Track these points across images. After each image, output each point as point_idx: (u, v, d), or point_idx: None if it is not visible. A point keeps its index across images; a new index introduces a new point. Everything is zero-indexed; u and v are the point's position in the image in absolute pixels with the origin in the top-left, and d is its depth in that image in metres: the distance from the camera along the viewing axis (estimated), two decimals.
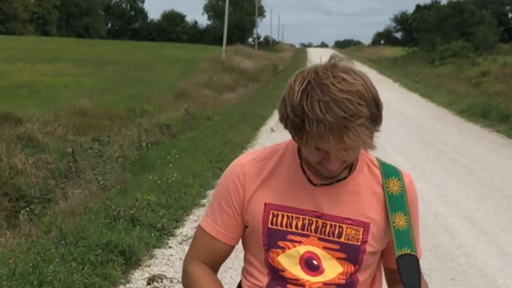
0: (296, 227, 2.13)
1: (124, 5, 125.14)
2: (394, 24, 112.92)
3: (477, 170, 13.09)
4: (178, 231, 8.28)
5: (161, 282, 6.36)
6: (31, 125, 20.52)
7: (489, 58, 45.88)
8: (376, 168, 2.21)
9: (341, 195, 2.14)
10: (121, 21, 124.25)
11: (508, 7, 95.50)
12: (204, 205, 9.69)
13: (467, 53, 52.00)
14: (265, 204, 2.15)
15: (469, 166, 13.47)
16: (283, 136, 9.28)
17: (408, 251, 2.12)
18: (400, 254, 2.12)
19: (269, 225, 2.14)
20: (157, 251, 7.40)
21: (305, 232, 2.13)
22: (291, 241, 2.13)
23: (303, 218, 2.13)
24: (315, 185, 2.14)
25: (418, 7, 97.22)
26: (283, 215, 2.14)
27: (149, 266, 6.94)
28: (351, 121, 1.91)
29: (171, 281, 6.46)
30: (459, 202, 10.27)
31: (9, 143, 17.64)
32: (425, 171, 12.79)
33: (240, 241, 2.28)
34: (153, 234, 7.71)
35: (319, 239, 2.13)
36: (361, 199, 2.15)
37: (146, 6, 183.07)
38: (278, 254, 2.15)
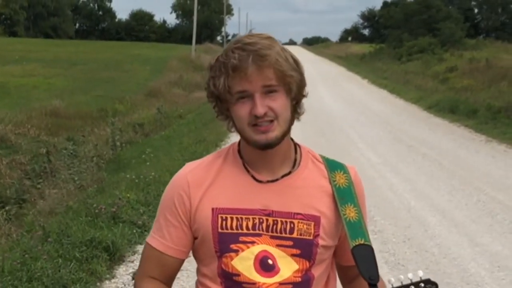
0: (247, 228, 2.10)
1: (91, 4, 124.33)
2: (361, 21, 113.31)
3: (447, 164, 13.37)
4: None
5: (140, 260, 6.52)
6: (3, 126, 20.47)
7: (456, 54, 46.31)
8: (320, 163, 2.22)
9: (288, 191, 2.13)
10: (89, 21, 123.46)
11: (473, 3, 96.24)
12: None
13: (434, 49, 52.43)
14: (212, 209, 2.12)
15: (439, 160, 13.75)
16: None
17: (362, 241, 2.11)
18: (354, 244, 2.10)
19: (219, 230, 2.11)
20: (139, 247, 7.58)
21: (257, 231, 2.10)
22: (244, 242, 2.10)
23: (253, 218, 2.11)
24: (260, 181, 2.13)
25: (385, 4, 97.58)
26: (232, 218, 2.11)
27: (132, 261, 7.15)
28: (264, 50, 2.00)
29: None
30: (430, 195, 10.53)
31: None
32: (396, 166, 13.06)
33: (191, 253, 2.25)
34: (134, 231, 7.91)
35: (272, 237, 2.10)
36: (309, 193, 2.15)
37: (114, 5, 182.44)
38: (232, 258, 2.10)
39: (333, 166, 2.21)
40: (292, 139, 2.19)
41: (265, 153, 2.10)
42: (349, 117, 21.50)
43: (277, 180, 2.14)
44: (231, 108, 2.07)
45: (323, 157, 2.24)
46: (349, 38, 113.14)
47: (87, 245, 6.88)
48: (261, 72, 1.99)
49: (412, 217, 9.08)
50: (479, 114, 20.85)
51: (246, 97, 2.02)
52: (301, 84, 2.10)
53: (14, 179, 14.63)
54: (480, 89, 27.44)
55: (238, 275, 2.10)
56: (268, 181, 2.13)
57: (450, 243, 7.97)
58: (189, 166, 2.23)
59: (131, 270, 6.84)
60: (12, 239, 8.72)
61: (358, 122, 20.28)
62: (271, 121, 2.02)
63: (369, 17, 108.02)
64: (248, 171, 2.15)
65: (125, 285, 6.52)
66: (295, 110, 2.13)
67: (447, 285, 6.53)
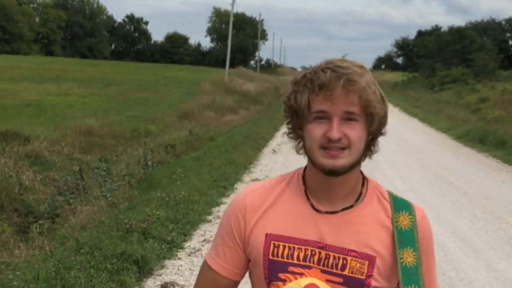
0: (298, 259, 2.03)
1: (128, 26, 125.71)
2: (395, 49, 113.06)
3: (472, 193, 13.56)
4: (186, 244, 8.83)
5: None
6: (38, 143, 20.87)
7: (489, 85, 46.29)
8: (386, 201, 2.11)
9: (347, 226, 2.05)
10: (124, 42, 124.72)
11: (508, 34, 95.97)
12: (210, 221, 10.24)
13: (467, 79, 52.44)
14: (266, 235, 2.07)
15: (464, 189, 13.95)
16: (285, 157, 10.20)
17: None
18: None
19: (270, 257, 2.05)
20: (167, 262, 7.95)
21: (307, 263, 2.03)
22: (293, 273, 2.03)
23: (305, 249, 2.04)
24: (318, 211, 2.06)
25: (419, 33, 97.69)
26: (284, 246, 2.05)
27: (160, 275, 7.49)
28: (354, 75, 1.94)
29: None
30: (452, 222, 10.76)
31: (17, 161, 18.02)
32: (421, 193, 13.26)
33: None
34: (163, 246, 8.27)
35: (322, 271, 2.02)
36: (367, 230, 2.05)
37: (150, 28, 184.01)
38: (278, 287, 2.05)
39: (399, 206, 2.10)
40: (361, 172, 2.12)
41: (330, 182, 2.03)
42: (378, 145, 21.70)
43: (336, 212, 2.06)
44: (306, 127, 2.01)
45: (390, 194, 2.15)
46: (383, 66, 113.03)
47: (118, 258, 7.24)
48: (347, 97, 1.93)
49: None
50: (508, 145, 20.96)
51: (324, 118, 1.95)
52: (383, 120, 2.03)
53: (47, 195, 14.99)
54: (511, 120, 27.48)
55: None
56: (327, 212, 2.06)
57: (467, 267, 8.22)
58: (250, 188, 2.20)
59: (159, 283, 7.17)
60: (45, 251, 9.04)
61: (387, 150, 20.37)
62: (343, 148, 1.95)
63: (403, 45, 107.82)
64: (308, 198, 2.08)
65: None
66: (369, 146, 2.07)
67: None
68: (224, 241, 2.15)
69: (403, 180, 14.75)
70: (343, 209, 2.06)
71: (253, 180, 14.09)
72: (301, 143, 2.07)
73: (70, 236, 8.89)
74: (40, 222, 12.13)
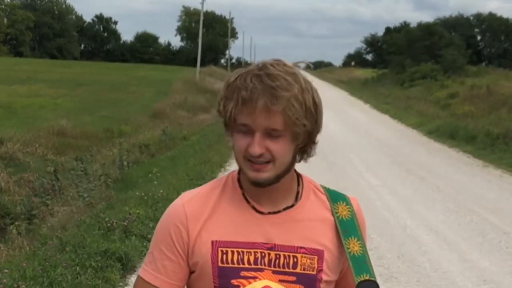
0: (249, 262, 1.99)
1: (97, 26, 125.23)
2: (364, 46, 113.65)
3: (443, 187, 13.85)
4: None
5: None
6: (11, 145, 20.89)
7: (458, 80, 46.64)
8: (322, 194, 2.11)
9: (291, 224, 2.02)
10: (94, 42, 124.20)
11: (477, 30, 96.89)
12: None
13: (436, 75, 52.83)
14: (212, 242, 2.00)
15: (436, 183, 14.23)
16: None
17: (367, 277, 2.02)
18: (360, 280, 2.01)
19: (219, 264, 1.98)
20: None
21: (259, 266, 1.99)
22: (245, 277, 1.98)
23: (254, 252, 1.99)
24: (261, 213, 2.02)
25: (388, 30, 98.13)
26: (233, 251, 1.99)
27: None
28: (280, 91, 1.88)
29: None
30: (425, 216, 11.02)
31: None
32: (394, 188, 13.53)
33: None
34: (145, 244, 8.42)
35: (274, 272, 1.99)
36: (311, 226, 2.04)
37: (119, 27, 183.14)
38: None
39: (335, 197, 2.11)
40: (295, 170, 2.07)
41: (263, 190, 2.00)
42: (350, 141, 21.96)
43: (279, 212, 2.03)
44: (233, 134, 1.97)
45: (324, 188, 2.14)
46: (352, 63, 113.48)
47: (102, 256, 7.42)
48: (269, 115, 1.87)
49: (407, 235, 9.57)
50: (477, 140, 21.25)
51: (247, 131, 1.91)
52: (313, 132, 1.98)
53: (22, 196, 15.07)
54: (481, 115, 27.80)
55: None
56: (269, 213, 2.02)
57: (441, 258, 8.47)
58: (186, 196, 2.09)
59: None
60: (25, 251, 9.16)
61: (359, 146, 20.74)
62: (267, 162, 1.92)
63: (372, 42, 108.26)
64: (248, 201, 2.04)
65: None
66: (303, 152, 2.03)
67: None
68: (164, 254, 2.04)
69: (375, 176, 15.01)
70: (284, 209, 2.03)
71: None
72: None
73: (52, 235, 9.02)
74: (17, 223, 12.19)
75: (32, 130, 24.43)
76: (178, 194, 7.39)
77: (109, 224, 8.67)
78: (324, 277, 2.02)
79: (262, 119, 1.88)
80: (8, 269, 6.73)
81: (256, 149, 1.89)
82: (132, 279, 7.35)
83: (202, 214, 2.02)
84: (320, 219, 2.06)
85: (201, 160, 16.37)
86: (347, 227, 2.05)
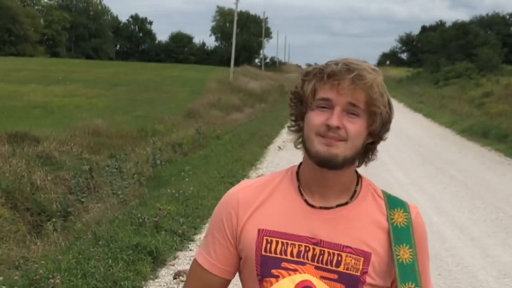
0: (292, 254, 2.00)
1: (132, 26, 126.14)
2: (399, 45, 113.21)
3: (472, 185, 13.98)
4: (197, 237, 9.29)
5: (185, 276, 7.31)
6: (48, 144, 21.24)
7: (493, 79, 46.53)
8: (380, 198, 2.10)
9: (341, 221, 2.02)
10: (129, 42, 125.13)
11: None
12: None
13: (471, 74, 52.68)
14: (259, 230, 2.03)
15: (465, 182, 14.35)
16: (290, 153, 10.79)
17: (413, 286, 1.99)
18: None
19: (263, 252, 2.02)
20: (179, 253, 8.43)
21: (301, 259, 2.00)
22: (286, 269, 1.99)
23: (299, 245, 2.01)
24: (313, 207, 2.04)
25: (423, 28, 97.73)
26: (277, 242, 2.01)
27: (173, 265, 7.97)
28: (365, 72, 1.95)
29: None
30: (452, 213, 11.19)
31: (28, 161, 18.40)
32: (423, 186, 13.66)
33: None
34: (175, 239, 8.73)
35: (316, 267, 1.99)
36: (363, 227, 2.03)
37: (154, 28, 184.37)
38: (271, 284, 2.00)
39: (393, 203, 2.09)
40: (356, 171, 2.09)
41: (325, 177, 2.01)
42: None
43: (331, 208, 2.03)
44: (307, 114, 2.00)
45: (384, 193, 2.13)
46: (387, 62, 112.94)
47: (133, 249, 7.70)
48: (354, 90, 1.93)
49: (432, 231, 9.68)
50: (510, 139, 21.26)
51: (326, 107, 1.95)
52: (386, 124, 2.01)
53: (58, 194, 15.38)
54: None
55: None
56: (321, 207, 2.03)
57: (463, 254, 8.64)
58: (243, 184, 2.17)
59: (172, 272, 7.63)
60: (60, 247, 9.45)
61: (391, 145, 20.75)
62: (340, 140, 1.94)
63: (407, 41, 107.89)
64: (302, 194, 2.06)
65: (167, 284, 7.31)
66: (367, 152, 2.07)
67: None
68: (216, 239, 2.11)
69: (405, 174, 15.15)
70: (337, 205, 2.04)
71: (259, 176, 14.47)
72: (300, 138, 2.05)
73: (86, 231, 9.31)
74: (53, 220, 12.50)
75: (68, 130, 24.80)
76: (209, 191, 7.69)
77: (140, 220, 8.95)
78: (369, 280, 2.00)
79: (346, 93, 1.93)
80: (44, 261, 7.03)
81: (335, 121, 1.92)
82: (163, 272, 7.65)
83: (254, 202, 2.08)
84: (374, 222, 2.05)
85: (232, 158, 16.58)
86: (400, 235, 2.03)
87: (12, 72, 49.68)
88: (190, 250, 8.63)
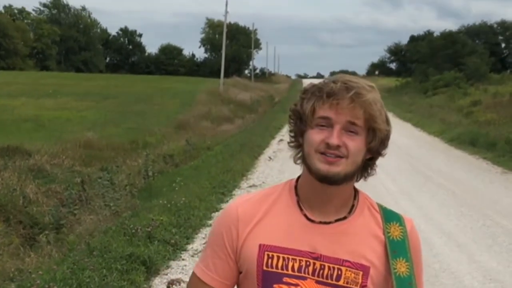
0: (293, 269, 2.03)
1: (122, 39, 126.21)
2: (388, 55, 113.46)
3: (460, 193, 14.17)
4: (189, 246, 9.49)
5: (179, 285, 7.60)
6: (40, 157, 21.36)
7: (481, 88, 46.76)
8: (376, 212, 2.15)
9: (340, 236, 2.06)
10: (119, 55, 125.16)
11: (500, 37, 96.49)
12: (210, 225, 10.84)
13: (459, 83, 52.89)
14: (260, 245, 2.06)
15: (453, 189, 14.54)
16: (281, 163, 11.09)
17: None
18: None
19: (264, 268, 2.04)
20: (172, 262, 8.61)
21: (302, 274, 2.03)
22: (287, 283, 2.03)
23: (299, 260, 2.04)
24: (312, 221, 2.07)
25: (412, 38, 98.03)
26: (278, 257, 2.04)
27: (166, 274, 8.15)
28: (363, 90, 1.98)
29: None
30: (439, 220, 11.36)
31: (20, 174, 18.49)
32: (411, 194, 13.85)
33: None
34: (168, 248, 8.93)
35: (317, 282, 2.03)
36: (361, 241, 2.07)
37: (144, 40, 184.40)
38: None
39: (389, 217, 2.14)
40: (353, 186, 2.13)
41: (325, 192, 2.05)
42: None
43: (330, 223, 2.07)
44: (307, 133, 2.02)
45: (380, 206, 2.18)
46: (376, 72, 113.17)
47: (127, 259, 7.87)
48: (353, 108, 1.96)
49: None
50: (497, 147, 21.42)
51: (326, 125, 1.98)
52: (384, 140, 2.06)
53: (50, 207, 15.47)
54: (503, 123, 27.81)
55: None
56: (320, 222, 2.07)
57: (450, 260, 8.84)
58: (242, 199, 2.20)
59: (165, 281, 7.79)
60: (54, 259, 9.58)
61: None
62: (341, 157, 1.97)
63: (395, 51, 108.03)
64: (301, 209, 2.09)
65: None
66: (367, 167, 2.11)
67: None
68: (215, 253, 2.14)
69: (394, 182, 15.31)
70: (336, 220, 2.07)
71: (250, 187, 14.66)
72: (300, 153, 2.08)
73: (79, 242, 9.45)
74: (46, 232, 12.60)
75: (59, 142, 24.93)
76: (200, 201, 7.85)
77: (133, 231, 9.11)
78: None
79: (345, 112, 1.95)
80: (40, 271, 7.18)
81: (335, 140, 1.94)
82: (156, 281, 7.80)
83: (254, 217, 2.09)
84: (371, 236, 2.09)
85: (223, 169, 16.74)
86: (397, 248, 2.07)
87: (2, 85, 49.73)
88: (183, 259, 8.80)
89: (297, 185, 2.13)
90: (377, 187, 14.20)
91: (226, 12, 62.74)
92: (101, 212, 12.86)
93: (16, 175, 18.12)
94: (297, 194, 2.11)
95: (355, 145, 1.97)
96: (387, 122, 2.05)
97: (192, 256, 8.97)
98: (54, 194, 17.09)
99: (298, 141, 2.07)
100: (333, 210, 2.07)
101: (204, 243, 9.63)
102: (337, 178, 1.97)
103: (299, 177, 2.14)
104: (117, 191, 14.78)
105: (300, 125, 2.05)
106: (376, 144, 2.03)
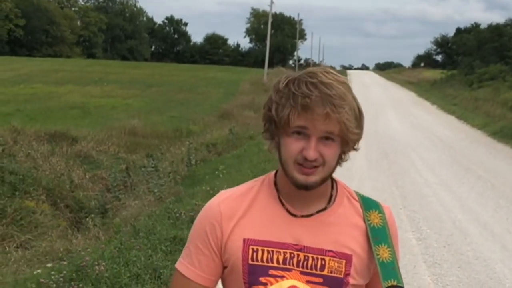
0: (278, 262, 2.08)
1: (167, 28, 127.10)
2: (434, 47, 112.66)
3: (499, 185, 14.27)
4: None
5: None
6: (86, 144, 21.86)
7: None
8: (355, 201, 2.20)
9: (322, 227, 2.11)
10: (164, 43, 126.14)
11: None
12: None
13: (505, 76, 52.39)
14: (244, 240, 2.10)
15: (492, 182, 14.63)
16: None
17: (395, 283, 2.10)
18: (386, 286, 2.10)
19: (250, 261, 2.09)
20: None
21: (287, 266, 2.08)
22: (274, 276, 2.07)
23: (284, 252, 2.08)
24: (294, 216, 2.11)
25: (458, 30, 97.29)
26: (263, 250, 2.09)
27: None
28: (338, 99, 1.98)
29: None
30: (476, 211, 11.54)
31: (67, 160, 18.97)
32: (450, 186, 13.99)
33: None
34: None
35: (302, 273, 2.07)
36: (342, 231, 2.12)
37: (189, 29, 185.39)
38: None
39: (368, 205, 2.19)
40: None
41: (302, 193, 2.10)
42: (413, 141, 22.27)
43: (311, 215, 2.12)
44: (283, 138, 2.05)
45: (358, 195, 2.22)
46: (422, 64, 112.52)
47: (171, 241, 8.22)
48: (329, 121, 1.97)
49: (455, 228, 10.11)
50: None
51: (302, 133, 2.00)
52: (358, 139, 2.10)
53: (96, 192, 15.91)
54: None
55: None
56: (302, 216, 2.11)
57: (484, 248, 9.05)
58: (223, 195, 2.21)
59: None
60: (100, 240, 9.95)
61: (422, 146, 21.05)
62: (317, 166, 2.01)
63: (442, 43, 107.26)
64: (283, 204, 2.14)
65: None
66: (340, 158, 2.12)
67: (474, 279, 7.72)
68: (199, 250, 2.16)
69: (434, 174, 15.45)
70: (317, 212, 2.12)
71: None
72: (274, 148, 2.12)
73: (126, 224, 9.82)
74: (92, 216, 13.00)
75: (105, 130, 25.39)
76: None
77: (177, 215, 9.48)
78: (352, 281, 2.10)
79: (321, 124, 1.97)
80: (89, 249, 7.56)
81: (312, 154, 1.98)
82: None
83: (236, 212, 2.13)
84: (352, 225, 2.14)
85: (265, 158, 16.95)
86: (378, 235, 2.14)
87: (50, 73, 50.57)
88: None
89: (276, 180, 2.18)
90: (415, 179, 14.41)
91: (272, 2, 62.88)
92: (145, 198, 13.15)
93: (64, 161, 18.60)
94: (277, 189, 2.16)
95: (331, 152, 2.02)
96: (361, 118, 2.07)
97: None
98: (99, 180, 17.53)
99: (272, 137, 2.12)
100: (313, 203, 2.12)
101: None
102: (315, 185, 2.05)
103: (277, 171, 2.19)
104: (161, 178, 15.08)
105: (275, 129, 2.08)
106: (349, 147, 2.09)
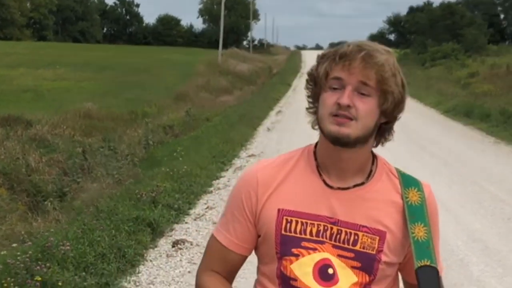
0: (311, 234, 2.07)
1: (119, 9, 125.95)
2: (387, 26, 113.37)
3: (452, 162, 14.68)
4: (191, 211, 10.04)
5: (183, 244, 8.19)
6: (41, 127, 21.62)
7: (478, 60, 47.02)
8: (395, 177, 2.17)
9: (358, 201, 2.09)
10: (116, 25, 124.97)
11: (500, 8, 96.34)
12: (211, 192, 11.36)
13: (457, 54, 53.15)
14: (279, 210, 2.09)
15: (445, 158, 15.04)
16: (279, 135, 11.74)
17: (428, 263, 2.05)
18: (419, 265, 2.05)
19: (283, 232, 2.08)
20: (176, 225, 9.16)
21: (320, 238, 2.07)
22: (306, 248, 2.07)
23: (317, 224, 2.07)
24: (331, 187, 2.10)
25: (411, 9, 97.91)
26: (297, 221, 2.07)
27: (171, 235, 8.69)
28: (377, 53, 2.01)
29: (191, 244, 8.32)
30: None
31: (23, 144, 18.82)
32: (405, 162, 14.18)
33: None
34: (171, 213, 9.48)
35: (334, 246, 2.06)
36: (378, 207, 2.09)
37: (141, 10, 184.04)
38: (291, 262, 2.08)
39: (407, 182, 2.16)
40: (371, 151, 2.16)
41: (341, 157, 2.07)
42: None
43: (348, 188, 2.10)
44: (321, 96, 2.05)
45: (398, 171, 2.20)
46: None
47: (133, 221, 8.40)
48: (364, 69, 1.98)
49: None
50: (492, 118, 21.92)
51: (338, 88, 2.00)
52: (399, 103, 2.06)
53: (53, 175, 15.84)
54: (499, 94, 28.21)
55: (295, 280, 2.08)
56: (338, 188, 2.10)
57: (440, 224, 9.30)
58: (261, 164, 2.22)
59: (170, 241, 8.35)
60: (61, 223, 9.98)
61: None
62: (351, 119, 1.99)
63: (394, 22, 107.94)
64: (320, 174, 2.12)
65: (166, 252, 8.02)
66: (383, 132, 2.13)
67: None
68: (235, 217, 2.17)
69: (389, 152, 15.62)
70: (354, 186, 2.10)
71: (249, 156, 15.09)
72: (316, 119, 2.10)
73: (88, 207, 9.88)
74: (50, 199, 12.98)
75: (59, 113, 25.14)
76: (201, 169, 8.42)
77: (138, 196, 9.61)
78: (384, 258, 2.07)
79: (357, 72, 1.97)
80: (52, 230, 7.64)
81: (345, 100, 1.96)
82: (161, 241, 8.32)
83: (273, 181, 2.12)
84: (388, 202, 2.11)
85: (223, 139, 17.10)
86: (415, 213, 2.09)
87: (0, 56, 49.88)
88: (186, 222, 9.34)
89: (315, 151, 2.16)
90: None
91: None
92: (104, 180, 13.15)
93: (19, 145, 18.46)
94: (316, 159, 2.14)
95: (366, 107, 1.99)
96: (403, 86, 2.05)
97: (195, 219, 9.52)
98: (56, 163, 17.38)
99: (316, 107, 2.10)
100: (350, 175, 2.10)
101: (205, 208, 10.13)
102: (348, 140, 2.00)
103: (317, 143, 2.17)
104: (119, 160, 15.11)
105: (316, 89, 2.09)
106: (389, 107, 2.04)
